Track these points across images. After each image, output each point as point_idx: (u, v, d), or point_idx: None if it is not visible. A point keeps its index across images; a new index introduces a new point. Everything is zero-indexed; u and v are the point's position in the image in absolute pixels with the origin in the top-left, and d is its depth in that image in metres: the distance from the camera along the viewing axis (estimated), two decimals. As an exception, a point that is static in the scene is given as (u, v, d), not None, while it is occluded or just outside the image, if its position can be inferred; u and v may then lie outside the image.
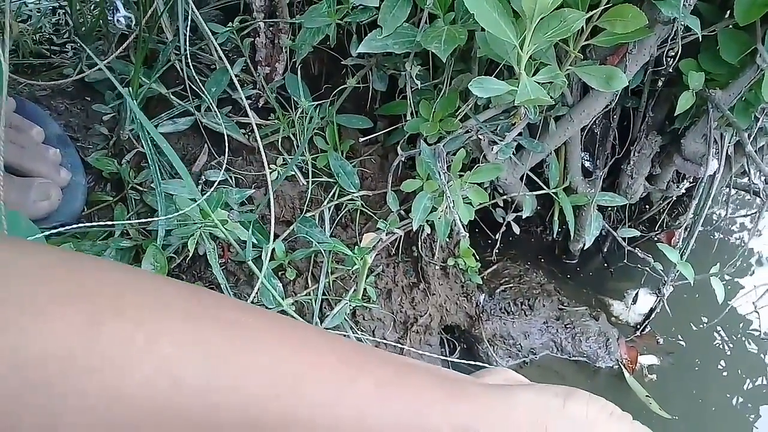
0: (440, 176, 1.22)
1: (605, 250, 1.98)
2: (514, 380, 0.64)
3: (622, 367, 1.67)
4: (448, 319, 1.59)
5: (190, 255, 1.16)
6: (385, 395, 0.43)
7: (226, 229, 1.12)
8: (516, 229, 1.75)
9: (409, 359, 0.54)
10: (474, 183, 1.34)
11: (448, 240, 1.45)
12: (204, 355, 0.34)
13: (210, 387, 0.33)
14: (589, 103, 1.41)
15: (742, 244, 2.09)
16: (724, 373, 1.68)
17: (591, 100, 1.40)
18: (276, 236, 1.41)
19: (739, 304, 1.87)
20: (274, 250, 1.31)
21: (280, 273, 1.37)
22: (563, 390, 0.54)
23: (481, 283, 1.61)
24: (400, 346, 1.50)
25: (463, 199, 1.32)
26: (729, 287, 1.90)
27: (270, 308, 1.21)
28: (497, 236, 1.80)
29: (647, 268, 1.71)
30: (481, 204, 1.42)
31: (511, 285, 1.77)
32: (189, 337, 0.34)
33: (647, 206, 1.99)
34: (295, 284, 1.37)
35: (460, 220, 1.20)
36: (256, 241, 1.26)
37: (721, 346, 1.75)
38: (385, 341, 1.49)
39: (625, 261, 1.84)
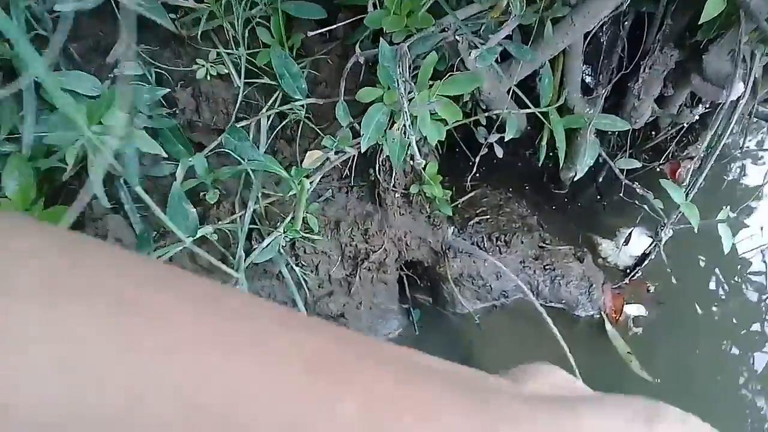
0: (399, 84, 0.96)
1: (600, 180, 1.73)
2: (566, 385, 0.39)
3: (605, 316, 1.47)
4: (409, 255, 1.37)
5: (69, 171, 0.91)
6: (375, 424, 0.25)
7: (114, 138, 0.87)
8: (499, 152, 1.50)
9: (416, 353, 0.32)
10: (445, 95, 1.08)
11: (409, 163, 1.20)
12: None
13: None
14: (596, 3, 1.13)
15: (753, 184, 1.85)
16: (718, 332, 1.48)
17: (599, -1, 1.12)
18: (200, 147, 1.17)
19: (744, 251, 1.65)
20: (191, 168, 1.06)
21: (201, 194, 1.13)
22: (645, 409, 0.31)
23: (452, 214, 1.37)
24: (347, 283, 1.29)
25: (432, 114, 1.06)
26: (734, 231, 1.68)
27: (182, 239, 0.98)
28: (476, 159, 1.55)
29: (645, 206, 1.47)
30: (456, 122, 1.16)
31: (488, 217, 1.54)
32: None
33: (652, 132, 1.73)
34: (219, 209, 1.14)
35: (420, 144, 0.95)
36: (165, 153, 1.01)
37: (718, 300, 1.54)
38: (329, 278, 1.27)
39: (621, 195, 1.60)
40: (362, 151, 1.05)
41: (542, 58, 1.24)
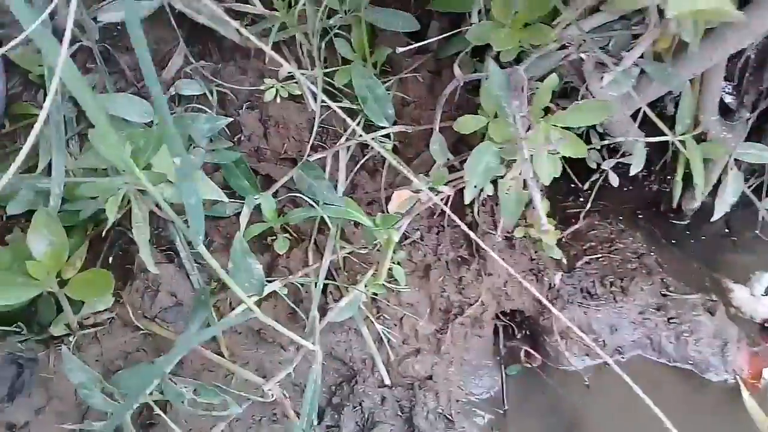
0: (515, 119, 0.76)
1: (734, 211, 1.46)
2: None
3: (740, 381, 1.22)
4: (507, 306, 1.16)
5: (110, 224, 0.75)
6: None
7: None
8: (614, 181, 1.26)
9: None
10: (566, 127, 0.86)
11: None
12: None
13: None
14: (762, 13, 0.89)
15: None
16: None
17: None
18: (268, 181, 0.99)
19: None
20: (258, 206, 0.89)
21: (269, 239, 0.96)
22: None
23: (559, 258, 1.16)
24: (436, 340, 1.09)
25: (549, 152, 0.85)
26: None
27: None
28: (587, 186, 1.32)
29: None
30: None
31: (599, 255, 1.31)
32: None
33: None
34: (289, 258, 0.96)
35: (538, 187, 0.73)
36: (226, 198, 0.84)
37: None
38: (415, 334, 1.08)
39: (757, 231, 1.34)
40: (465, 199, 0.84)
41: (683, 78, 1.00)
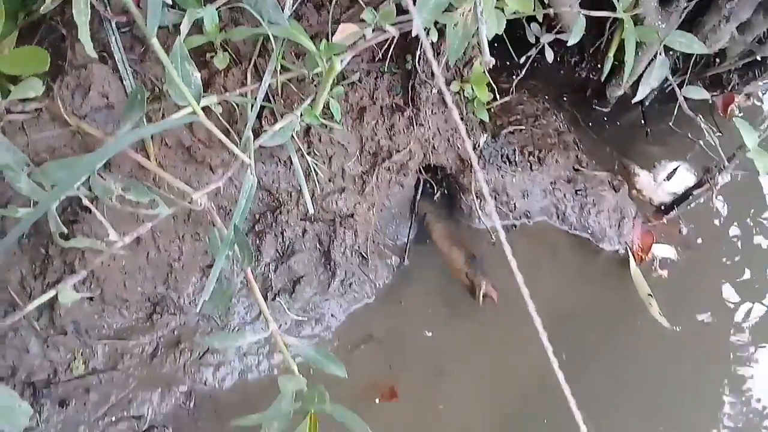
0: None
1: (647, 102, 1.56)
2: None
3: (630, 253, 1.35)
4: (433, 159, 1.21)
5: (43, 8, 0.72)
6: None
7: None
8: (550, 56, 1.30)
9: None
10: (517, -20, 0.88)
11: (458, 57, 1.01)
12: None
13: None
14: None
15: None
16: (751, 291, 1.37)
17: None
18: (210, -1, 0.96)
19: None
20: (201, 20, 0.87)
21: (207, 56, 0.95)
22: None
23: (488, 120, 1.21)
24: (362, 181, 1.14)
25: (497, 7, 0.87)
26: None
27: (181, 107, 0.81)
28: (522, 60, 1.36)
29: (700, 141, 1.31)
30: (517, 14, 0.97)
31: (523, 128, 1.37)
32: None
33: (716, 60, 1.53)
34: (227, 76, 0.96)
35: (482, 38, 0.76)
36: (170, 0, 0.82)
37: (756, 256, 1.42)
38: (342, 173, 1.12)
39: (670, 123, 1.43)
40: (409, 34, 0.86)
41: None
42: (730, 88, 1.58)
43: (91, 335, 0.94)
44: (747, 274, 1.38)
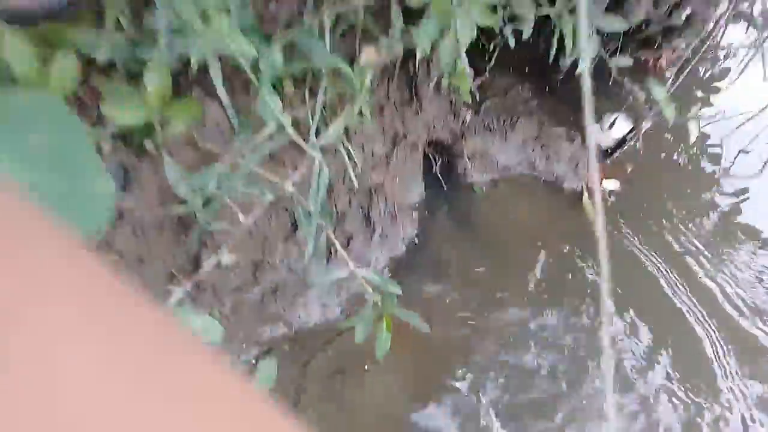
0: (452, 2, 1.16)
1: (592, 67, 1.97)
2: None
3: (584, 188, 1.78)
4: (434, 135, 1.61)
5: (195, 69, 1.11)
6: None
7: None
8: (512, 42, 1.70)
9: None
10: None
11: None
12: None
13: None
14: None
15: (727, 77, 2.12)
16: (675, 209, 1.81)
17: None
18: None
19: (710, 142, 1.96)
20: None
21: (277, 87, 1.34)
22: None
23: (470, 101, 1.61)
24: (386, 159, 1.54)
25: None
26: (704, 126, 1.96)
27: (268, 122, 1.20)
28: (491, 46, 1.75)
29: (631, 96, 1.73)
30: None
31: (497, 99, 1.78)
32: None
33: (644, 25, 1.94)
34: (291, 100, 1.35)
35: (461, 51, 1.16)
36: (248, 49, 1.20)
37: (681, 186, 1.86)
38: (372, 154, 1.52)
39: (610, 83, 1.85)
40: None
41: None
42: (656, 47, 2.00)
43: (222, 292, 1.35)
44: (676, 198, 1.83)
